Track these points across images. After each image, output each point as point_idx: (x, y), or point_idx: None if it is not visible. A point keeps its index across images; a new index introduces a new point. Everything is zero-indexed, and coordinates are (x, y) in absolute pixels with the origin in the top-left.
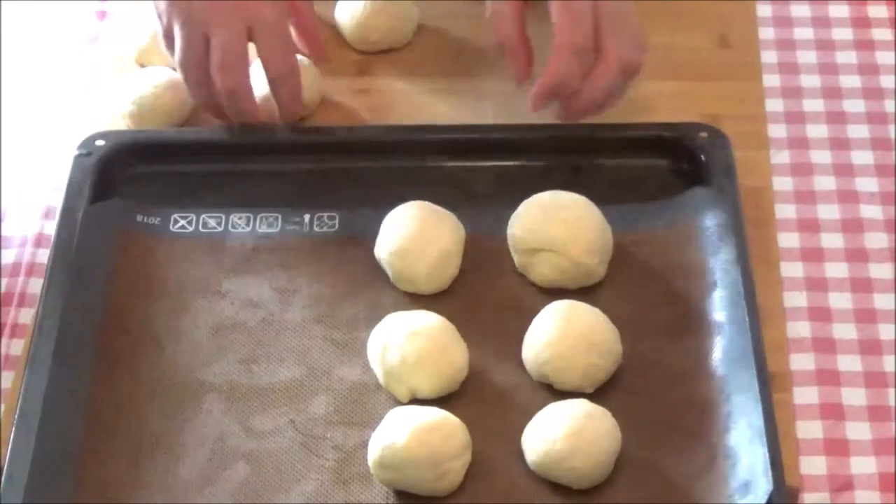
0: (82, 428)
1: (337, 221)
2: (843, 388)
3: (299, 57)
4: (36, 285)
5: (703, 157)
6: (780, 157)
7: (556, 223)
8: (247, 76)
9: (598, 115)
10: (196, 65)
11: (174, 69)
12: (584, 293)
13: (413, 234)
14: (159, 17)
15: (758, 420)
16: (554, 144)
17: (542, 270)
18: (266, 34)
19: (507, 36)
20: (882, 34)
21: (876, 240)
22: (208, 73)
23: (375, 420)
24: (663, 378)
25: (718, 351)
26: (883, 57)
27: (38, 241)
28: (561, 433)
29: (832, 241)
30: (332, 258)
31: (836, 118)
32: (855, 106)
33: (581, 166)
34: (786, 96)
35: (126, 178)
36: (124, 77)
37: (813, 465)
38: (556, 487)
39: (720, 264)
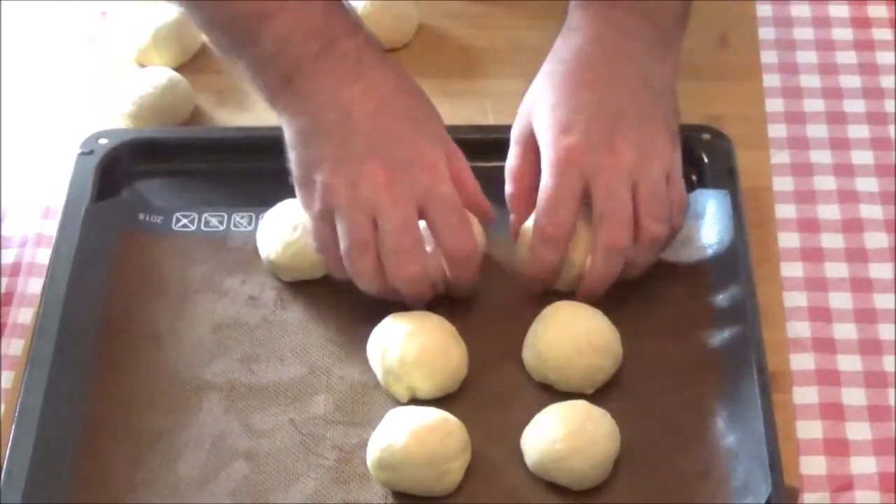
0: (82, 427)
1: None
2: (843, 388)
3: None
4: (36, 285)
5: (705, 159)
6: (780, 157)
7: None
8: (425, 259)
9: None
10: (367, 253)
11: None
12: None
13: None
14: (307, 206)
15: (757, 421)
16: None
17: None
18: (443, 212)
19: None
20: (882, 34)
21: (876, 240)
22: (379, 261)
23: (375, 420)
24: (663, 379)
25: (718, 351)
26: (883, 57)
27: (38, 241)
28: (560, 434)
29: (832, 241)
30: None
31: (836, 118)
32: (855, 106)
33: None
34: (786, 96)
35: (128, 176)
36: (124, 77)
37: (813, 465)
38: (556, 488)
39: (721, 265)
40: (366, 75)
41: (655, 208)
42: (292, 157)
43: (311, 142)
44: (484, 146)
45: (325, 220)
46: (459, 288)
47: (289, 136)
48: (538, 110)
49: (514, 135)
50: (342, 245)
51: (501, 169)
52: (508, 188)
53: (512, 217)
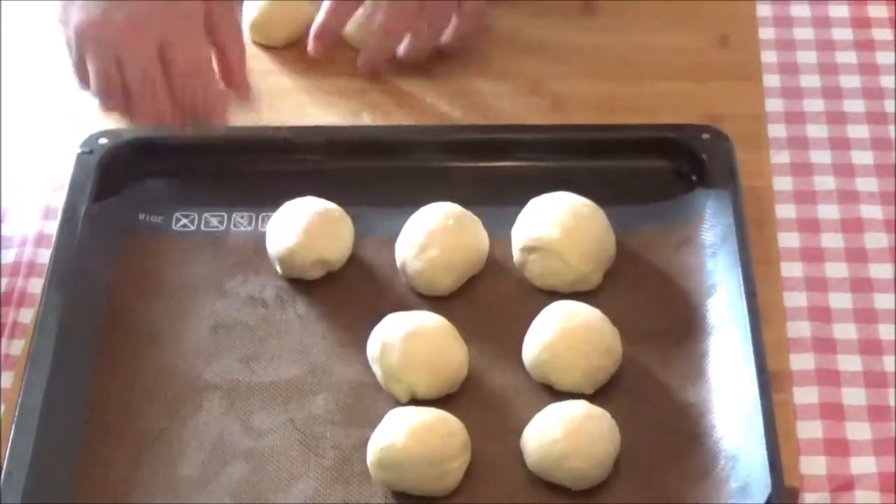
0: (82, 427)
1: None
2: (843, 388)
3: (330, 207)
4: (36, 285)
5: (705, 159)
6: (780, 157)
7: (556, 225)
8: (170, 99)
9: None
10: (114, 92)
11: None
12: (584, 294)
13: (447, 244)
14: (68, 49)
15: (757, 421)
16: (554, 145)
17: (536, 270)
18: (181, 58)
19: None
20: (882, 34)
21: (876, 240)
22: (127, 98)
23: (375, 420)
24: (663, 379)
25: (718, 351)
26: (883, 57)
27: (38, 241)
28: (560, 434)
29: (832, 241)
30: None
31: (836, 118)
32: (855, 106)
33: (582, 167)
34: (786, 96)
35: (128, 176)
36: None
37: (813, 465)
38: (555, 488)
39: (721, 265)
40: None
41: None
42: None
43: None
44: (484, 146)
45: (79, 60)
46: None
47: None
48: None
49: None
50: (92, 83)
51: (501, 169)
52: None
53: None
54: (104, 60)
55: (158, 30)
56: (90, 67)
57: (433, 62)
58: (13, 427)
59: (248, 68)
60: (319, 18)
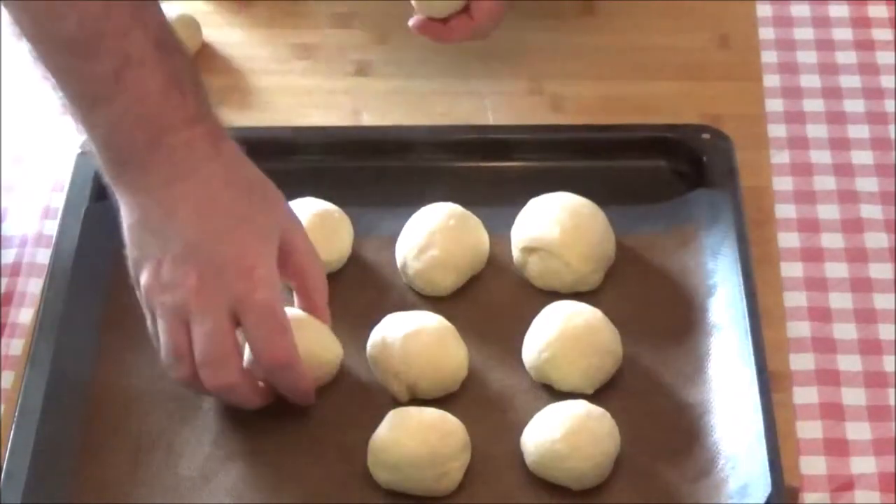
0: (82, 427)
1: None
2: (843, 388)
3: (330, 207)
4: (36, 285)
5: (705, 159)
6: (780, 157)
7: (556, 226)
8: (239, 369)
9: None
10: (182, 360)
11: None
12: (585, 294)
13: (448, 244)
14: (144, 309)
15: (757, 421)
16: (554, 145)
17: (536, 270)
18: (253, 320)
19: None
20: (882, 34)
21: (876, 240)
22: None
23: (375, 420)
24: (663, 379)
25: (718, 351)
26: (883, 57)
27: (38, 241)
28: (560, 434)
29: (832, 241)
30: None
31: (836, 118)
32: (855, 106)
33: (581, 167)
34: (786, 96)
35: None
36: None
37: (813, 465)
38: (556, 488)
39: (721, 266)
40: (198, 171)
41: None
42: (127, 251)
43: (139, 239)
44: (484, 146)
45: (151, 321)
46: (291, 396)
47: (124, 228)
48: None
49: None
50: (161, 351)
51: (501, 169)
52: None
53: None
54: (171, 324)
55: (229, 286)
56: (159, 331)
57: (433, 62)
58: (13, 427)
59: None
60: None
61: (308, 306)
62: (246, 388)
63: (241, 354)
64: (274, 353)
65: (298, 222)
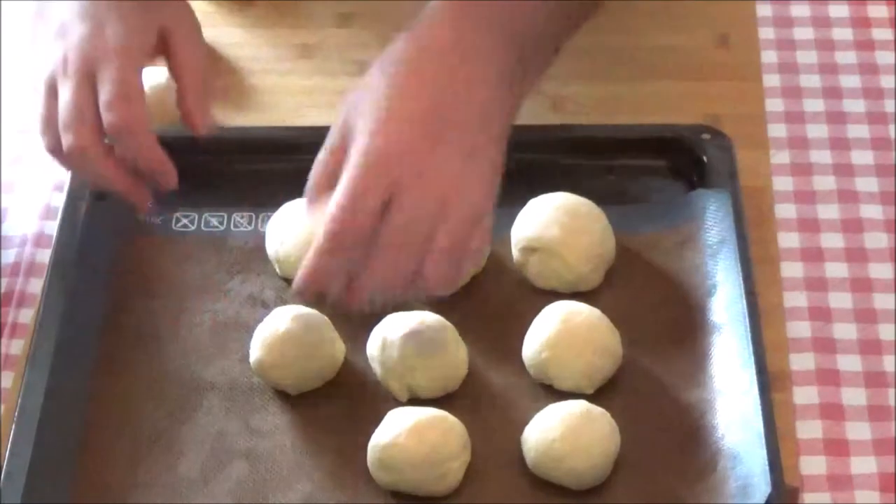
0: (82, 427)
1: None
2: (843, 388)
3: None
4: (36, 285)
5: (705, 159)
6: (780, 157)
7: (556, 226)
8: (93, 134)
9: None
10: (48, 128)
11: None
12: (585, 294)
13: None
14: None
15: (757, 421)
16: (554, 145)
17: (536, 270)
18: (106, 84)
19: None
20: (882, 34)
21: (876, 240)
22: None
23: (375, 420)
24: (663, 379)
25: (718, 352)
26: (883, 57)
27: (38, 241)
28: (560, 434)
29: (832, 241)
30: None
31: (836, 118)
32: (855, 106)
33: (581, 167)
34: (786, 96)
35: None
36: None
37: (813, 465)
38: (556, 488)
39: (721, 266)
40: None
41: (447, 254)
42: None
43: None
44: None
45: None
46: (148, 172)
47: None
48: (361, 106)
49: (333, 128)
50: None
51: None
52: (309, 180)
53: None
54: (45, 97)
55: (88, 59)
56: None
57: None
58: (13, 427)
59: (208, 100)
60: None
61: (182, 108)
62: (99, 155)
63: (99, 123)
64: (119, 117)
65: (189, 20)
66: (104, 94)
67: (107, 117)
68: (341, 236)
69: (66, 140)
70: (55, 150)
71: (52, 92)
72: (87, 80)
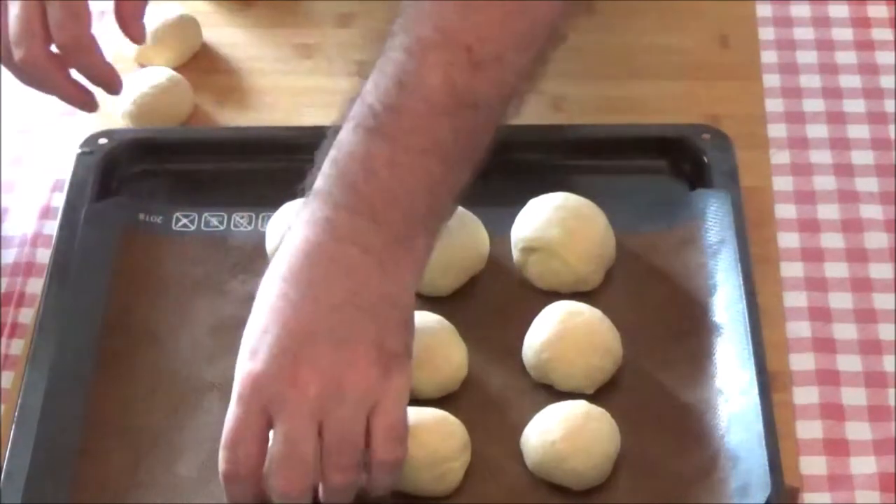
0: (82, 427)
1: None
2: (843, 388)
3: None
4: (36, 285)
5: (705, 159)
6: (780, 157)
7: (556, 226)
8: (41, 47)
9: None
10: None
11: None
12: (585, 294)
13: (448, 245)
14: None
15: (757, 421)
16: (554, 145)
17: (536, 270)
18: (55, 3)
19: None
20: (882, 34)
21: (876, 240)
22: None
23: None
24: (663, 379)
25: (718, 352)
26: (883, 57)
27: (38, 241)
28: (560, 434)
29: (832, 241)
30: None
31: (836, 118)
32: (855, 106)
33: (581, 167)
34: (786, 96)
35: (128, 176)
36: (124, 77)
37: (813, 465)
38: (556, 488)
39: (721, 265)
40: None
41: (337, 456)
42: None
43: None
44: None
45: None
46: (93, 80)
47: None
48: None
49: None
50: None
51: (501, 169)
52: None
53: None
54: None
55: None
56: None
57: None
58: (13, 427)
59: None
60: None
61: (118, 20)
62: (49, 67)
63: (48, 37)
64: (69, 35)
65: None
66: (53, 10)
67: (58, 36)
68: (230, 470)
69: (18, 54)
70: (7, 61)
71: (3, 8)
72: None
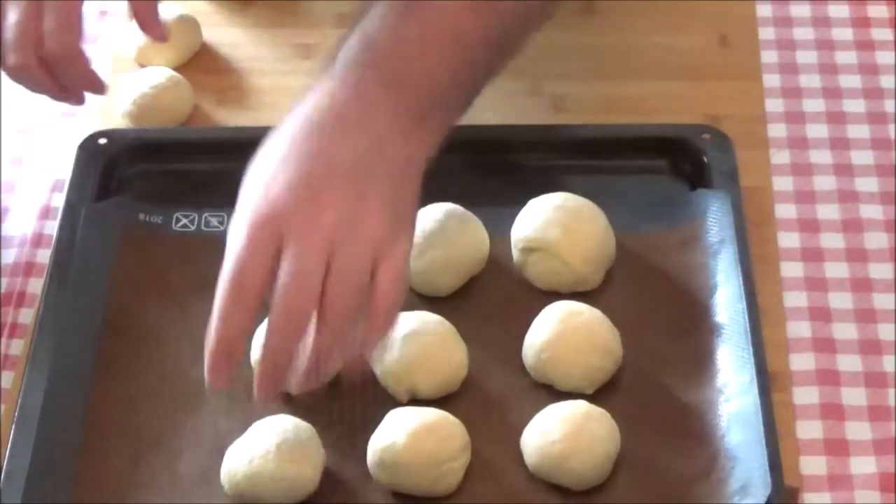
0: (82, 427)
1: None
2: (843, 388)
3: None
4: (36, 285)
5: (705, 159)
6: (780, 157)
7: (556, 226)
8: (33, 53)
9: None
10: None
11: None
12: (585, 294)
13: (448, 245)
14: None
15: (757, 421)
16: (554, 145)
17: (536, 271)
18: (51, 11)
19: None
20: (882, 34)
21: (876, 240)
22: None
23: (375, 420)
24: (663, 379)
25: (718, 352)
26: (883, 57)
27: (38, 241)
28: (560, 434)
29: (832, 241)
30: None
31: (836, 118)
32: (855, 106)
33: (581, 167)
34: (786, 96)
35: (128, 176)
36: (124, 77)
37: (813, 465)
38: (556, 488)
39: (721, 266)
40: None
41: (341, 287)
42: None
43: None
44: (484, 146)
45: None
46: (80, 86)
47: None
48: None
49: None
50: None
51: (501, 169)
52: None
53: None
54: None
55: None
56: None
57: None
58: (13, 427)
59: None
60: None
61: (135, 17)
62: (39, 72)
63: (41, 46)
64: (60, 45)
65: None
66: (48, 20)
67: (49, 45)
68: (232, 300)
69: (10, 58)
70: (2, 64)
71: (2, 9)
72: (35, 4)
